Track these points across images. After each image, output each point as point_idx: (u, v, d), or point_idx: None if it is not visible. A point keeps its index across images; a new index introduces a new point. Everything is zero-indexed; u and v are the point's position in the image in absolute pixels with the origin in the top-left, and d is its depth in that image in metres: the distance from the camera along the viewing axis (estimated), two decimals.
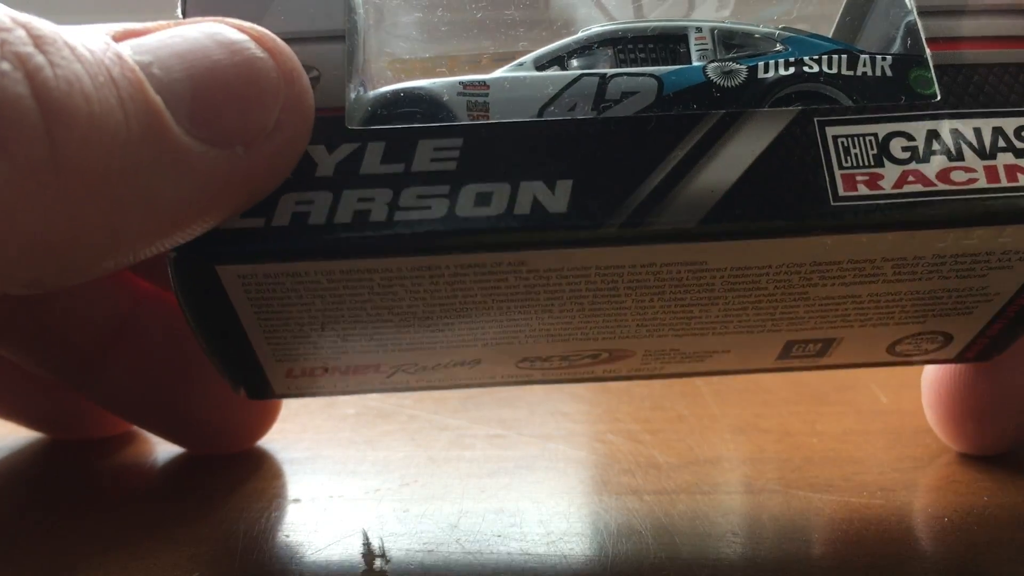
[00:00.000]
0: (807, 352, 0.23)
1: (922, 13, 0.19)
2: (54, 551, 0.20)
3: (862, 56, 0.20)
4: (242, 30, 0.17)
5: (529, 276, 0.19)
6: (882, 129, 0.18)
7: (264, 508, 0.22)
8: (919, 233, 0.18)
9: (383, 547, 0.20)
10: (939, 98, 0.18)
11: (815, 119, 0.18)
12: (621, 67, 0.21)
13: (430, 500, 0.22)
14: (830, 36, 0.22)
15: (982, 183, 0.18)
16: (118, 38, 0.16)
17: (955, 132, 0.18)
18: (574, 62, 0.21)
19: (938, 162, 0.18)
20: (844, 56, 0.20)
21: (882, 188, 0.18)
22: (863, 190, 0.18)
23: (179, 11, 0.19)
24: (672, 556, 0.20)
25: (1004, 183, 0.18)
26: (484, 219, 0.17)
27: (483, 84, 0.20)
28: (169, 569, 0.19)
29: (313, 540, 0.21)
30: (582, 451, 0.26)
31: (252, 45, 0.16)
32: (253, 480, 0.24)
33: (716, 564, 0.19)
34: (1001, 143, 0.18)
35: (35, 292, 0.15)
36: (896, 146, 0.18)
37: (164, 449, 0.26)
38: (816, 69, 0.20)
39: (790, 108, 0.18)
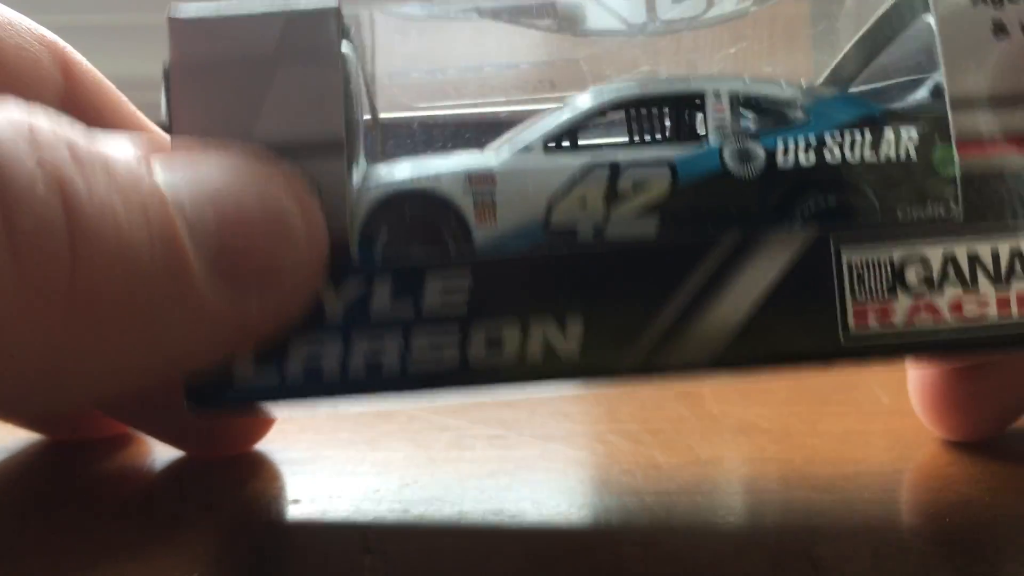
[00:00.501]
0: None
1: (954, 105, 0.18)
2: (52, 552, 0.20)
3: (886, 132, 0.19)
4: (275, 177, 0.16)
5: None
6: (898, 253, 0.18)
7: (264, 508, 0.22)
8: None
9: (383, 547, 0.20)
10: (960, 216, 0.18)
11: (831, 242, 0.17)
12: (632, 132, 0.20)
13: (430, 500, 0.22)
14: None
15: (992, 315, 0.17)
16: (146, 155, 0.15)
17: (972, 257, 0.17)
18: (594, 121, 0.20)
19: (951, 293, 0.17)
20: (868, 135, 0.19)
21: (893, 323, 0.17)
22: (874, 326, 0.17)
23: (162, 109, 0.18)
24: (672, 556, 0.20)
25: (1014, 315, 0.17)
26: (496, 368, 0.17)
27: (491, 178, 0.19)
28: (168, 570, 0.19)
29: (313, 540, 0.20)
30: (582, 451, 0.26)
31: (283, 196, 0.16)
32: (253, 481, 0.24)
33: (716, 564, 0.19)
34: (1018, 267, 0.17)
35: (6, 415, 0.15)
36: (911, 273, 0.17)
37: (163, 450, 0.26)
38: (837, 157, 0.19)
39: (805, 231, 0.18)
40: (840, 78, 0.23)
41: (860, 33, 0.22)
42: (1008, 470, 0.24)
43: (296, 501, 0.23)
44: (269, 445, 0.26)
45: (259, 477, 0.24)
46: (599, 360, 0.17)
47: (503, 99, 0.22)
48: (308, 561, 0.20)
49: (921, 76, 0.19)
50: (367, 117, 0.22)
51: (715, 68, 0.22)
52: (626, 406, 0.29)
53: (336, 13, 0.18)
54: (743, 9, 0.22)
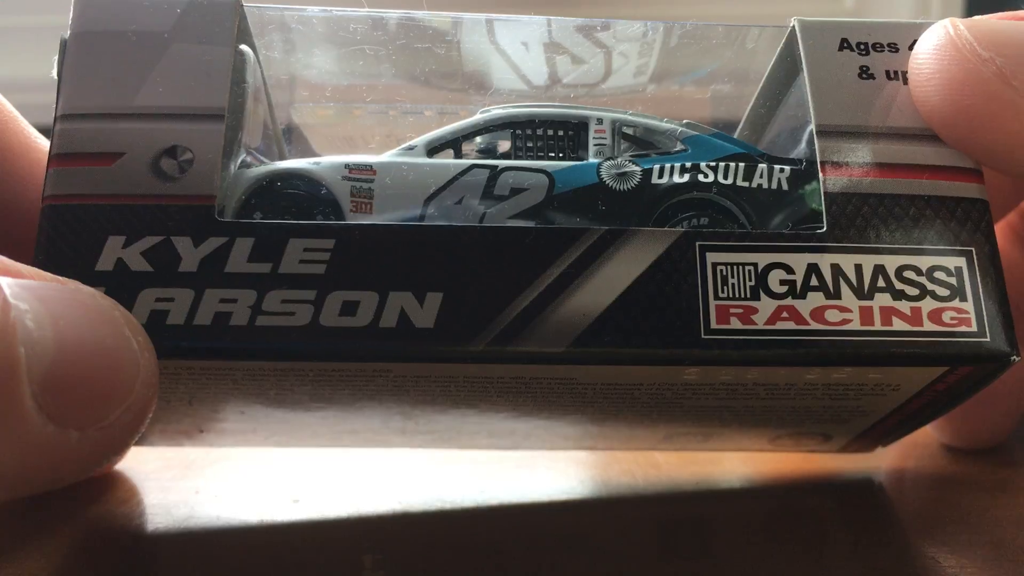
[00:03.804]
0: (688, 440, 0.23)
1: (820, 132, 0.18)
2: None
3: (760, 166, 0.19)
4: (117, 312, 0.15)
5: (397, 379, 0.18)
6: (763, 259, 0.18)
7: (263, 508, 0.22)
8: (788, 368, 0.18)
9: (382, 548, 0.20)
10: (824, 229, 0.18)
11: (697, 243, 0.18)
12: (517, 153, 0.20)
13: (430, 500, 0.22)
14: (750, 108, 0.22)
15: (855, 325, 0.17)
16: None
17: (835, 268, 0.18)
18: (477, 139, 0.21)
19: (814, 299, 0.17)
20: (742, 165, 0.19)
21: (755, 323, 0.17)
22: (735, 323, 0.17)
23: (54, 72, 0.18)
24: (673, 557, 0.20)
25: (877, 326, 0.17)
26: (348, 331, 0.17)
27: (370, 168, 0.19)
28: (166, 570, 0.19)
29: (312, 540, 0.20)
30: (582, 451, 0.26)
31: (125, 332, 0.15)
32: (253, 480, 0.24)
33: (718, 564, 0.19)
34: (880, 283, 0.18)
35: None
36: (775, 279, 0.17)
37: (160, 452, 0.26)
38: (711, 178, 0.19)
39: (673, 229, 0.18)
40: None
41: (756, 95, 0.22)
42: (1008, 471, 0.24)
43: (297, 500, 0.23)
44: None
45: (259, 476, 0.24)
46: (452, 336, 0.17)
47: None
48: (308, 561, 0.20)
49: (801, 135, 0.20)
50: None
51: None
52: None
53: (237, 5, 0.19)
54: (639, 84, 0.22)
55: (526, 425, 0.21)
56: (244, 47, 0.19)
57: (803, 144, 0.19)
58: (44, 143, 0.21)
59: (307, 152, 0.23)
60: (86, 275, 0.17)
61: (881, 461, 0.25)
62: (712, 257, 0.18)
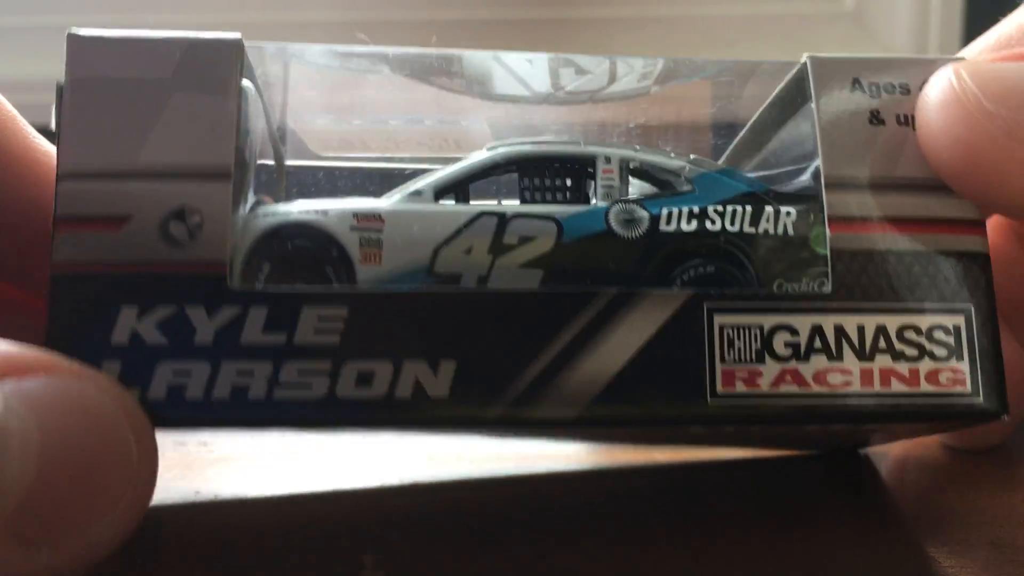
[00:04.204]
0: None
1: (828, 185, 0.18)
2: None
3: (767, 209, 0.19)
4: (135, 426, 0.15)
5: (411, 432, 0.19)
6: (769, 321, 0.18)
7: (263, 508, 0.22)
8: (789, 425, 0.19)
9: (382, 548, 0.20)
10: (830, 289, 0.18)
11: (705, 305, 0.18)
12: (523, 190, 0.20)
13: (430, 500, 0.22)
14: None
15: (855, 387, 0.18)
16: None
17: (839, 329, 0.18)
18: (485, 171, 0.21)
19: (817, 362, 0.18)
20: (748, 209, 0.19)
21: (759, 387, 0.18)
22: (740, 388, 0.18)
23: (52, 123, 0.18)
24: (674, 557, 0.20)
25: (876, 388, 0.18)
26: (363, 403, 0.17)
27: (378, 218, 0.19)
28: (165, 570, 0.19)
29: (313, 540, 0.21)
30: (582, 451, 0.26)
31: (130, 442, 0.15)
32: (253, 480, 0.24)
33: (720, 563, 0.19)
34: (882, 343, 0.18)
35: None
36: (779, 341, 0.18)
37: (159, 452, 0.26)
38: (718, 225, 0.19)
39: (681, 291, 0.18)
40: (737, 161, 0.23)
41: (753, 118, 0.22)
42: (1008, 470, 0.24)
43: (296, 500, 0.23)
44: (270, 443, 0.26)
45: (259, 476, 0.24)
46: (466, 405, 0.17)
47: (408, 155, 0.23)
48: (307, 560, 0.20)
49: (806, 164, 0.20)
50: (268, 162, 0.22)
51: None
52: None
53: (238, 46, 0.18)
54: (644, 87, 0.22)
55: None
56: (245, 83, 0.19)
57: (808, 176, 0.20)
58: (44, 144, 0.21)
59: (304, 152, 0.23)
60: (102, 349, 0.17)
61: (881, 460, 0.25)
62: (720, 320, 0.18)
